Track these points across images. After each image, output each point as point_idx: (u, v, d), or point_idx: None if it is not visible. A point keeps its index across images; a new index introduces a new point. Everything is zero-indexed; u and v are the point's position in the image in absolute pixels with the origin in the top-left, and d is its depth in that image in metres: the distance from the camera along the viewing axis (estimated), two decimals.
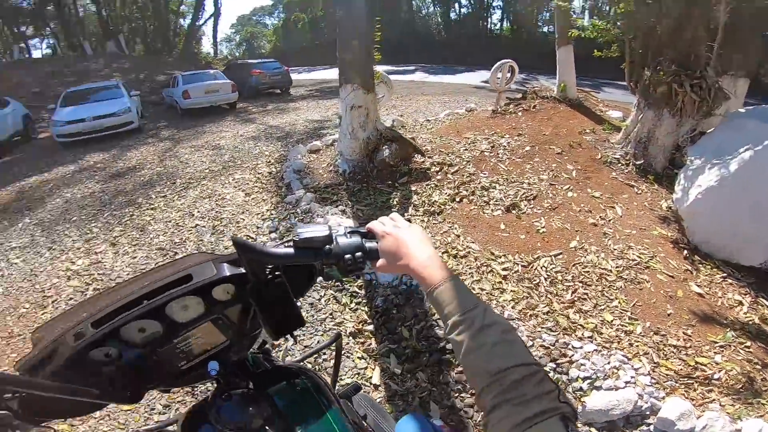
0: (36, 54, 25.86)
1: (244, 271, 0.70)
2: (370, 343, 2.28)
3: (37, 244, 4.03)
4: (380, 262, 0.65)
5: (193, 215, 4.14)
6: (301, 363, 0.94)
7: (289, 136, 6.68)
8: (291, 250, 0.65)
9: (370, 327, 2.36)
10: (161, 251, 3.59)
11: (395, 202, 3.65)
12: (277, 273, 0.69)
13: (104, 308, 0.66)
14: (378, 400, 1.93)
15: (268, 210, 3.98)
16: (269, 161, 5.29)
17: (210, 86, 9.96)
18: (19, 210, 5.00)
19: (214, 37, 30.51)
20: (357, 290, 2.63)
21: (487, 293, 2.47)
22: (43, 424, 0.62)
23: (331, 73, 19.89)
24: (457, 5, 23.84)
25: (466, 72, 15.46)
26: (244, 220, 3.91)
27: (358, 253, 0.65)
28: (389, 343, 2.23)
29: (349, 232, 0.68)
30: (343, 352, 2.19)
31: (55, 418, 0.65)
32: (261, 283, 0.68)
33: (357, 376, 2.10)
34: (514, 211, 3.31)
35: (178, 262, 0.79)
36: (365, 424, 0.85)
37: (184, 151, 6.53)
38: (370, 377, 2.07)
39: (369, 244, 0.67)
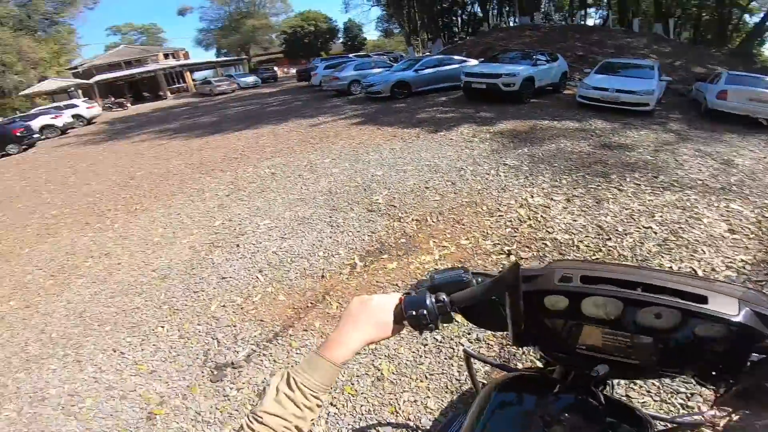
0: (589, 22, 29.55)
1: None
2: None
3: (520, 170, 5.07)
4: None
5: (653, 217, 3.75)
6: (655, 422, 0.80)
7: None
8: None
9: None
10: (600, 231, 3.56)
11: None
12: None
13: (604, 272, 0.69)
14: None
15: (743, 262, 3.00)
16: None
17: (760, 94, 7.82)
18: (524, 140, 6.40)
19: None
20: None
21: None
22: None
23: None
24: None
25: None
26: (704, 253, 3.14)
27: None
28: None
29: None
30: None
31: (467, 319, 0.79)
32: None
33: None
34: None
35: (719, 282, 0.71)
36: None
37: (684, 151, 5.78)
38: None
39: None
